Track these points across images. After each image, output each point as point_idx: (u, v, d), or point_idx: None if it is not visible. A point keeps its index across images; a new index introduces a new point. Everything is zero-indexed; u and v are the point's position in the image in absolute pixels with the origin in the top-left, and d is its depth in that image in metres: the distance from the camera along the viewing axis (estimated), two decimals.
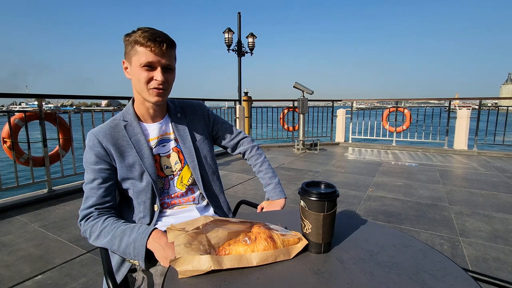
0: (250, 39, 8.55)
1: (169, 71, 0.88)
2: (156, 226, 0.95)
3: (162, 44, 0.83)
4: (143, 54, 0.84)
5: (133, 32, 0.86)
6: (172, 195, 0.99)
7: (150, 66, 0.85)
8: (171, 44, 0.87)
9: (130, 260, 0.82)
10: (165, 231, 0.68)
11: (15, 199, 2.84)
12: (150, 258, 0.77)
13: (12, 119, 2.91)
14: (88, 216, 0.86)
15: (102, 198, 0.87)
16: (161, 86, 0.87)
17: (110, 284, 0.72)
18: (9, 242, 2.09)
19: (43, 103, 3.11)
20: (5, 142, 2.92)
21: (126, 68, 0.91)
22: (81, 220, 0.86)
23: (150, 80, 0.86)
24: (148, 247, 0.75)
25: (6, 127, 2.89)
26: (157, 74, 0.85)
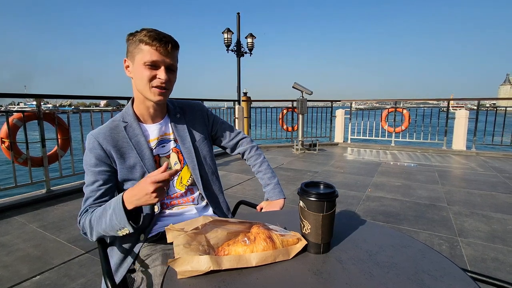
0: (249, 40, 8.55)
1: (172, 71, 0.89)
2: (156, 226, 0.95)
3: (168, 44, 0.85)
4: (148, 52, 0.84)
5: (137, 32, 0.87)
6: (172, 196, 0.99)
7: (154, 65, 0.86)
8: (176, 45, 0.88)
9: (120, 231, 0.79)
10: (164, 231, 0.68)
11: (14, 200, 2.83)
12: (136, 221, 0.77)
13: (10, 119, 2.90)
14: (84, 215, 0.87)
15: (100, 198, 0.88)
16: (164, 85, 0.87)
17: (109, 285, 0.71)
18: (8, 243, 2.08)
19: (42, 103, 3.10)
20: (3, 142, 2.91)
21: (128, 66, 0.91)
22: (79, 223, 0.87)
23: (153, 78, 0.87)
24: (126, 206, 0.75)
25: (5, 127, 2.88)
26: (161, 73, 0.86)
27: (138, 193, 0.73)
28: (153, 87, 0.87)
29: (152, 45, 0.84)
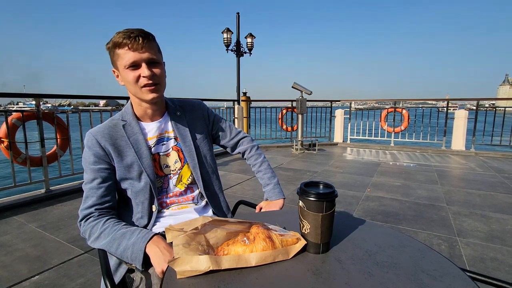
0: (249, 39, 8.55)
1: (155, 64, 0.87)
2: (155, 227, 0.95)
3: (138, 39, 0.82)
4: (124, 55, 0.83)
5: (111, 39, 0.85)
6: (171, 194, 0.98)
7: (134, 65, 0.84)
8: (147, 36, 0.84)
9: (127, 263, 0.81)
10: (164, 231, 0.68)
11: (13, 199, 2.82)
12: (147, 263, 0.77)
13: (9, 118, 2.90)
14: (88, 217, 0.85)
15: (102, 198, 0.87)
16: (150, 82, 0.85)
17: (108, 285, 0.71)
18: (6, 243, 2.08)
19: (41, 102, 3.10)
20: (2, 142, 2.90)
21: (118, 76, 0.90)
22: (81, 220, 0.86)
23: (138, 79, 0.85)
24: (146, 251, 0.75)
25: (4, 127, 2.87)
26: (143, 70, 0.84)
27: (158, 256, 0.73)
28: (142, 87, 0.86)
29: (123, 45, 0.82)
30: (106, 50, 0.88)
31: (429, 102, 8.10)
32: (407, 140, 6.50)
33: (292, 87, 5.86)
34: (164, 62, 0.92)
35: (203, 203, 1.05)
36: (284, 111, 6.72)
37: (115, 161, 0.90)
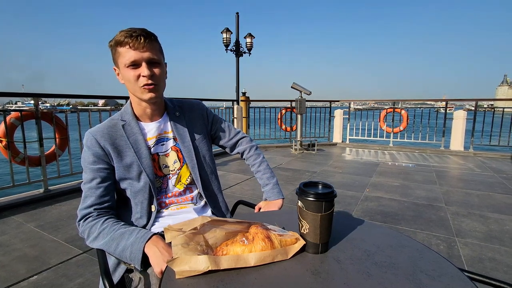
0: (248, 39, 8.54)
1: (155, 64, 0.87)
2: (154, 227, 0.95)
3: (140, 38, 0.82)
4: (125, 53, 0.83)
5: (114, 37, 0.86)
6: (170, 194, 0.98)
7: (135, 64, 0.84)
8: (149, 36, 0.85)
9: (126, 263, 0.81)
10: (163, 231, 0.68)
11: (11, 199, 2.81)
12: (146, 263, 0.77)
13: (8, 118, 2.89)
14: (87, 216, 0.85)
15: (101, 198, 0.87)
16: (150, 81, 0.85)
17: (107, 285, 0.71)
18: (5, 242, 2.07)
19: (40, 102, 3.09)
20: (0, 141, 2.89)
21: (118, 74, 0.90)
22: (79, 220, 0.86)
23: (138, 78, 0.85)
24: (145, 251, 0.75)
25: (2, 126, 2.86)
26: (143, 70, 0.84)
27: (156, 255, 0.73)
28: (141, 87, 0.86)
29: (125, 43, 0.82)
30: (108, 47, 0.88)
31: (428, 102, 8.12)
32: (406, 140, 6.52)
33: (292, 87, 5.87)
34: (165, 63, 0.92)
35: (202, 203, 1.05)
36: (283, 111, 6.72)
37: (114, 161, 0.90)
